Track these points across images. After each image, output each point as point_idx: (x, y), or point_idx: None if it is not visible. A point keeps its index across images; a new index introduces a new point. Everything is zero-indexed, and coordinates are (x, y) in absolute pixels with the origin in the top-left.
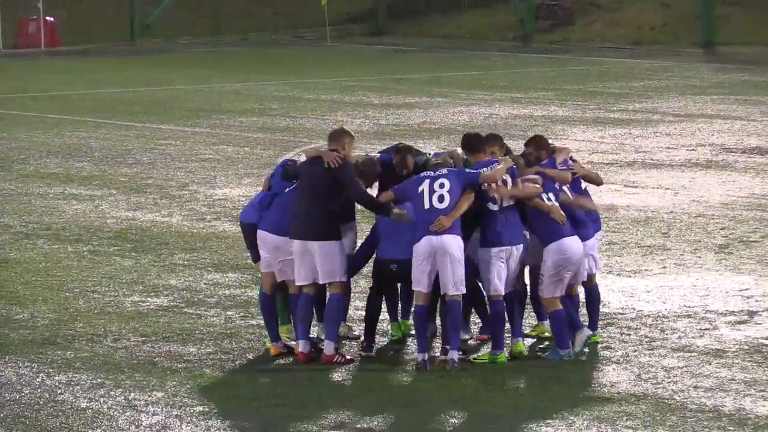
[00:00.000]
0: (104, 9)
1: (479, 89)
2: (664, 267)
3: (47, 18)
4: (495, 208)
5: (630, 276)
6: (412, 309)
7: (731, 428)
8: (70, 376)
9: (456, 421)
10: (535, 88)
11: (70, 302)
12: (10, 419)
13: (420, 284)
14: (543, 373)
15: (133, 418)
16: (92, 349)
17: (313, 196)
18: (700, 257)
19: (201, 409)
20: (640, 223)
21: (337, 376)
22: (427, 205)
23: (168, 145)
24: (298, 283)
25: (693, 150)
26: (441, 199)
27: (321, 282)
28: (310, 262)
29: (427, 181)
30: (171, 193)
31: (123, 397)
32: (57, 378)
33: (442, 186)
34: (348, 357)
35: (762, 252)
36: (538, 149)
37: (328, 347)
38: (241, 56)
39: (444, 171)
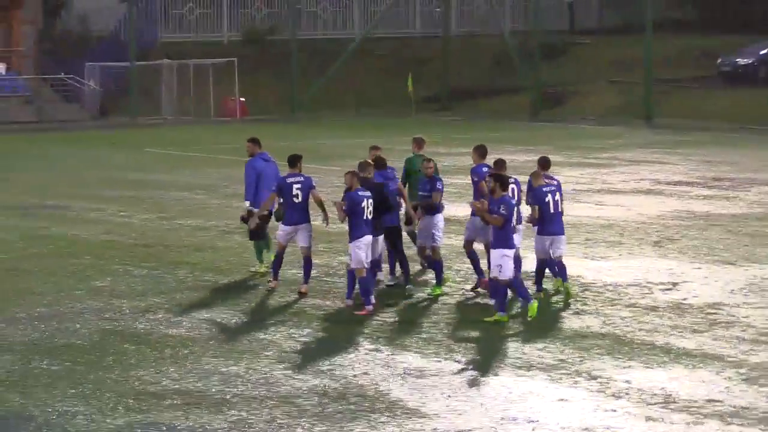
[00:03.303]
0: (276, 92)
1: (503, 143)
2: (620, 254)
3: (240, 98)
4: None
5: (598, 260)
6: None
7: (662, 355)
8: (253, 318)
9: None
10: (540, 143)
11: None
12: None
13: None
14: (541, 321)
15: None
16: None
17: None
18: (642, 249)
19: None
20: (605, 228)
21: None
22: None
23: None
24: None
25: (638, 182)
26: None
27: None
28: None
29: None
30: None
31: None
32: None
33: None
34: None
35: (681, 246)
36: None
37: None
38: (358, 122)
39: None
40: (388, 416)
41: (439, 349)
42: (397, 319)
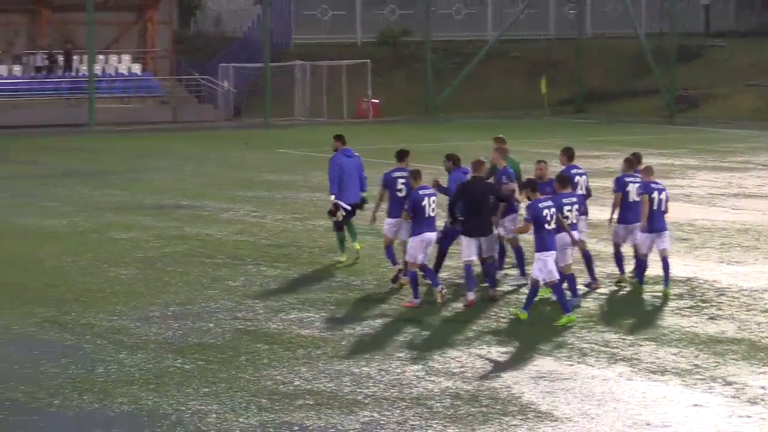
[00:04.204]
0: (410, 93)
1: (638, 146)
2: (756, 259)
3: (374, 100)
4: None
5: (734, 265)
6: None
7: None
8: (386, 321)
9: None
10: (676, 147)
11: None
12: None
13: None
14: (675, 326)
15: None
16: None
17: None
18: None
19: None
20: (741, 232)
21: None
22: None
23: None
24: None
25: None
26: None
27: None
28: None
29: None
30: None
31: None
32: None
33: None
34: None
35: None
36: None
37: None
38: (491, 124)
39: None
40: (520, 419)
41: (572, 353)
42: (529, 322)
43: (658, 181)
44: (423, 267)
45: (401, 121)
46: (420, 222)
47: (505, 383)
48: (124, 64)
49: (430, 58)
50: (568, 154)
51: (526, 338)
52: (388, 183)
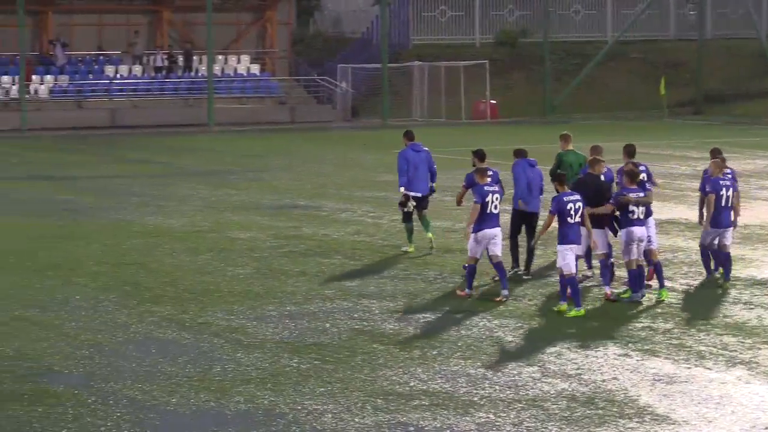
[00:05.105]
0: (528, 95)
1: (758, 149)
2: None
3: (491, 101)
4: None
5: None
6: None
7: None
8: (502, 321)
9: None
10: None
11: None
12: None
13: None
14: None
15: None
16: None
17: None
18: None
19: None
20: None
21: None
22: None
23: None
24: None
25: None
26: None
27: None
28: None
29: None
30: None
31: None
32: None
33: None
34: None
35: None
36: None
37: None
38: (609, 125)
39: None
40: (636, 422)
41: (690, 356)
42: (647, 324)
43: (728, 171)
44: (497, 265)
45: (518, 123)
46: (482, 218)
47: (621, 386)
48: (243, 65)
49: (548, 59)
50: (628, 151)
51: (643, 341)
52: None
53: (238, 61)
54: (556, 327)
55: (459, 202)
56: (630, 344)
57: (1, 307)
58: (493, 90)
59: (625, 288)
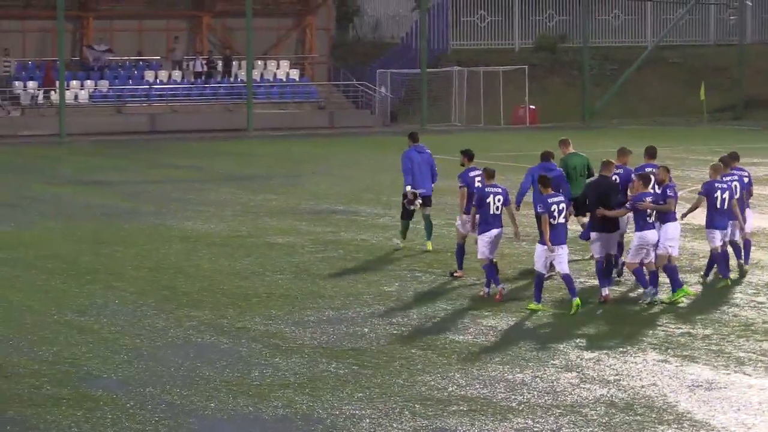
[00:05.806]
0: (567, 100)
1: None
2: None
3: (530, 106)
4: None
5: None
6: None
7: None
8: (540, 327)
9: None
10: None
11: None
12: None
13: None
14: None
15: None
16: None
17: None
18: None
19: None
20: None
21: None
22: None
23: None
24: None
25: None
26: None
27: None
28: None
29: None
30: None
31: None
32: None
33: None
34: None
35: None
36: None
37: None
38: (649, 130)
39: None
40: (675, 428)
41: (729, 362)
42: (686, 330)
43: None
44: (489, 263)
45: (558, 127)
46: (485, 219)
47: (660, 392)
48: (282, 70)
49: (587, 64)
50: (650, 153)
51: (682, 347)
52: (468, 183)
53: (278, 67)
54: (594, 333)
55: (464, 204)
56: (669, 350)
57: (40, 312)
58: (531, 95)
59: (668, 293)
